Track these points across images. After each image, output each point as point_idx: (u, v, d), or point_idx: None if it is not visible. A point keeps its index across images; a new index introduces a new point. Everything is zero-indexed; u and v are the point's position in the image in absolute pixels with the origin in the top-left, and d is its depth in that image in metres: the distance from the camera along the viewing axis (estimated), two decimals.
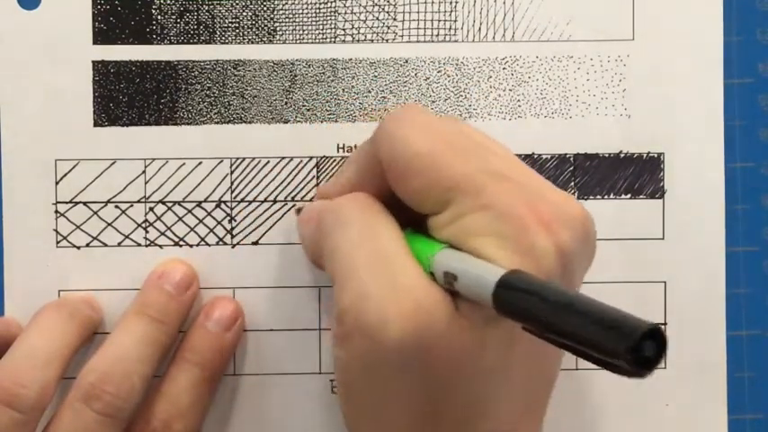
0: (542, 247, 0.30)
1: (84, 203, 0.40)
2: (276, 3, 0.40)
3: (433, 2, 0.41)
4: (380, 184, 0.34)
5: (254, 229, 0.40)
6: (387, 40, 0.41)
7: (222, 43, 0.40)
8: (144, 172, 0.40)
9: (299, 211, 0.39)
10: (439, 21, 0.41)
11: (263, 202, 0.40)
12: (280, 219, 0.40)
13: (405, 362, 0.30)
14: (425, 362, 0.30)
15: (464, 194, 0.31)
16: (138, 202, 0.40)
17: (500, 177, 0.31)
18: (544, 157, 0.41)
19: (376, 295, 0.30)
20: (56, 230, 0.40)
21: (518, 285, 0.27)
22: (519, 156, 0.40)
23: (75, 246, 0.40)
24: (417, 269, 0.31)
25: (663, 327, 0.24)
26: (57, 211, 0.40)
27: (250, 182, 0.40)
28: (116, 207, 0.40)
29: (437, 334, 0.30)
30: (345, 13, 0.40)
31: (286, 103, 0.40)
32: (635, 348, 0.24)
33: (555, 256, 0.30)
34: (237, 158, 0.40)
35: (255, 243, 0.40)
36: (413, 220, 0.33)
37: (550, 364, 0.34)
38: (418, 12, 0.41)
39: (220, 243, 0.40)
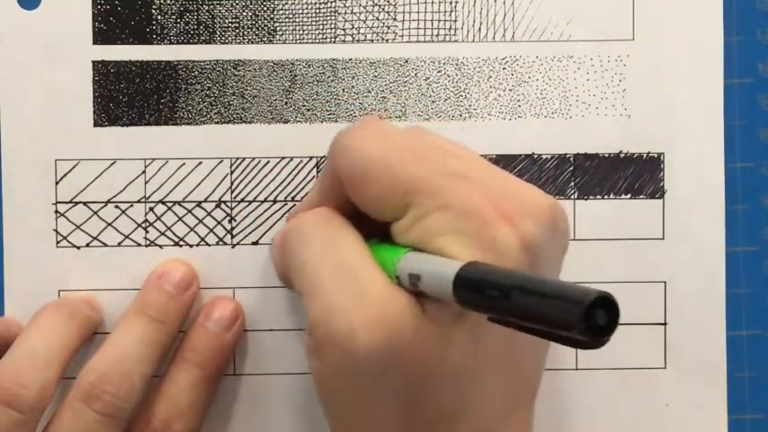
0: (505, 241, 0.30)
1: (84, 203, 0.40)
2: (276, 3, 0.40)
3: (433, 2, 0.41)
4: (342, 199, 0.34)
5: (254, 229, 0.40)
6: (387, 40, 0.41)
7: (222, 43, 0.40)
8: (144, 172, 0.40)
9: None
10: (439, 21, 0.41)
11: (263, 202, 0.40)
12: (280, 219, 0.40)
13: (377, 369, 0.30)
14: (397, 367, 0.30)
15: (422, 196, 0.31)
16: (138, 202, 0.40)
17: (458, 177, 0.31)
18: (544, 157, 0.41)
19: (342, 306, 0.30)
20: (56, 230, 0.40)
21: (474, 275, 0.28)
22: (519, 156, 0.40)
23: (75, 246, 0.40)
24: (382, 277, 0.31)
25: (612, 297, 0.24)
26: (57, 211, 0.40)
27: (250, 182, 0.40)
28: (116, 207, 0.40)
29: (406, 339, 0.30)
30: (345, 13, 0.40)
31: (286, 103, 0.40)
32: (586, 316, 0.24)
33: (519, 249, 0.30)
34: (237, 158, 0.40)
35: (255, 243, 0.40)
36: (377, 232, 0.34)
37: (528, 360, 0.33)
38: (418, 12, 0.41)
39: (220, 243, 0.40)
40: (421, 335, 0.30)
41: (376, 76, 0.41)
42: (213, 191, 0.40)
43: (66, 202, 0.40)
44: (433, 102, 0.41)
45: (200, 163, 0.40)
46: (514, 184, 0.32)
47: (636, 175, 0.41)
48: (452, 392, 0.31)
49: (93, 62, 0.40)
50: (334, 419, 0.33)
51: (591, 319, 0.24)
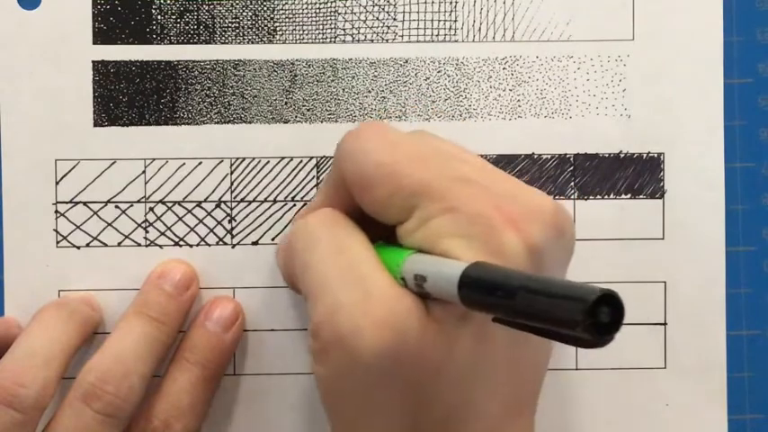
0: (511, 246, 0.30)
1: (84, 203, 0.40)
2: (276, 3, 0.40)
3: (433, 2, 0.41)
4: (347, 202, 0.34)
5: (254, 229, 0.40)
6: (387, 40, 0.41)
7: (222, 43, 0.40)
8: (144, 172, 0.40)
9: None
10: (439, 21, 0.41)
11: (263, 202, 0.40)
12: (280, 219, 0.40)
13: (382, 370, 0.30)
14: (403, 369, 0.30)
15: (428, 199, 0.31)
16: (138, 202, 0.40)
17: (464, 181, 0.31)
18: (544, 157, 0.41)
19: (348, 306, 0.30)
20: (56, 230, 0.40)
21: (479, 275, 0.28)
22: (519, 156, 0.40)
23: (75, 246, 0.40)
24: (388, 278, 0.31)
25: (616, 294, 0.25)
26: (57, 211, 0.40)
27: (250, 182, 0.40)
28: (116, 207, 0.40)
29: (411, 340, 0.30)
30: (345, 13, 0.40)
31: (286, 103, 0.40)
32: (590, 314, 0.24)
33: (525, 254, 0.30)
34: (237, 158, 0.40)
35: (255, 243, 0.40)
36: (382, 236, 0.34)
37: (532, 362, 0.33)
38: (418, 12, 0.41)
39: (220, 243, 0.40)
40: (426, 336, 0.30)
41: (376, 76, 0.41)
42: (213, 191, 0.40)
43: (66, 202, 0.40)
44: (433, 102, 0.41)
45: (200, 163, 0.40)
46: (520, 188, 0.32)
47: (636, 175, 0.41)
48: (457, 394, 0.31)
49: (93, 62, 0.40)
50: (338, 422, 0.33)
51: (595, 317, 0.24)
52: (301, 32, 0.40)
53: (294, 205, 0.40)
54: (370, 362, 0.30)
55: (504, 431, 0.32)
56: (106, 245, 0.40)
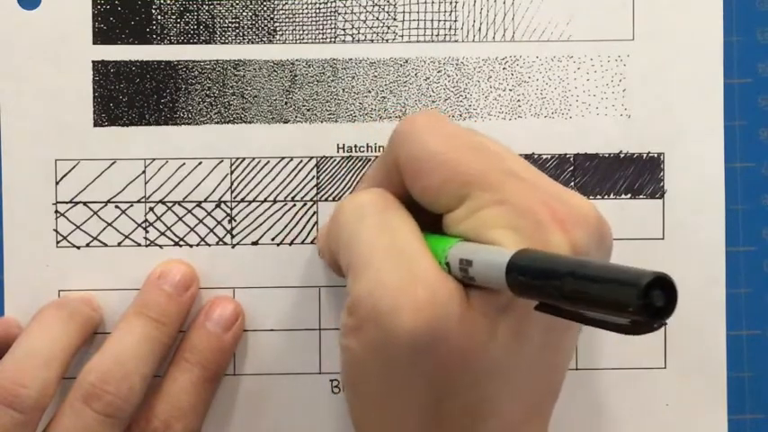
0: (557, 244, 0.30)
1: (84, 203, 0.40)
2: (276, 3, 0.40)
3: (433, 2, 0.41)
4: (396, 188, 0.34)
5: (254, 229, 0.40)
6: (387, 40, 0.41)
7: (222, 43, 0.40)
8: (144, 172, 0.40)
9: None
10: (439, 21, 0.41)
11: (263, 202, 0.40)
12: (280, 219, 0.40)
13: (415, 352, 0.30)
14: (436, 354, 0.30)
15: (480, 189, 0.31)
16: (138, 202, 0.40)
17: (515, 176, 0.32)
18: (544, 157, 0.41)
19: (391, 284, 0.30)
20: (56, 230, 0.40)
21: (528, 261, 0.27)
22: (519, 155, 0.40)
23: (75, 246, 0.40)
24: (432, 261, 0.31)
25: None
26: (57, 211, 0.40)
27: (250, 182, 0.40)
28: (116, 207, 0.40)
29: (450, 326, 0.30)
30: (345, 13, 0.40)
31: (286, 103, 0.40)
32: (644, 296, 0.24)
33: (569, 254, 0.30)
34: (237, 158, 0.40)
35: (255, 243, 0.40)
36: (428, 226, 0.33)
37: (556, 365, 0.34)
38: (418, 12, 0.41)
39: (220, 243, 0.40)
40: (464, 324, 0.30)
41: (376, 76, 0.41)
42: (213, 191, 0.40)
43: (66, 202, 0.40)
44: (433, 102, 0.41)
45: (200, 163, 0.40)
46: (567, 191, 0.33)
47: (636, 175, 0.41)
48: (482, 388, 0.31)
49: (93, 62, 0.40)
50: (359, 402, 0.33)
51: (648, 300, 0.24)
52: (301, 32, 0.40)
53: (294, 205, 0.40)
54: (405, 342, 0.30)
55: (521, 430, 0.32)
56: (106, 245, 0.40)
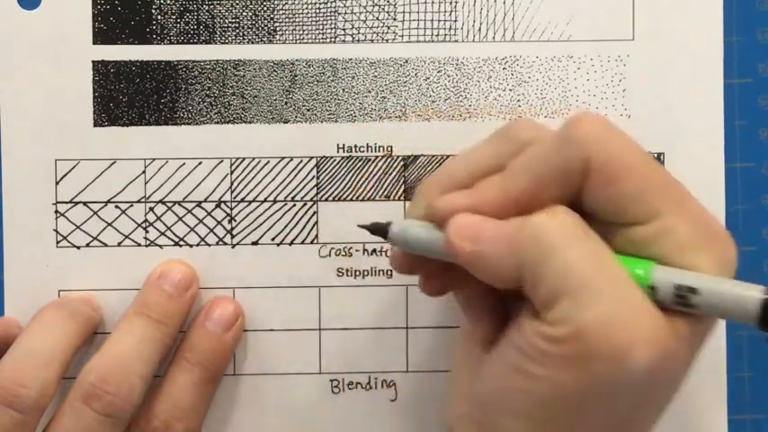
0: (732, 261, 0.31)
1: (84, 203, 0.40)
2: (276, 3, 0.40)
3: (433, 2, 0.41)
4: (560, 194, 0.32)
5: (254, 229, 0.40)
6: (387, 40, 0.41)
7: (222, 43, 0.40)
8: (144, 172, 0.40)
9: (378, 230, 0.35)
10: (439, 21, 0.41)
11: (263, 202, 0.40)
12: (280, 219, 0.40)
13: (648, 387, 0.29)
14: (662, 386, 0.30)
15: (670, 203, 0.31)
16: (138, 202, 0.40)
17: (686, 191, 0.32)
18: None
19: (621, 317, 0.29)
20: (56, 230, 0.40)
21: None
22: None
23: (75, 246, 0.40)
24: (639, 289, 0.30)
25: None
26: (57, 211, 0.40)
27: (250, 182, 0.40)
28: (116, 207, 0.40)
29: (671, 357, 0.29)
30: (345, 13, 0.40)
31: (286, 103, 0.40)
32: None
33: (733, 271, 0.31)
34: (237, 158, 0.40)
35: (255, 243, 0.40)
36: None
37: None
38: (418, 12, 0.41)
39: (220, 243, 0.40)
40: (679, 354, 0.30)
41: (376, 76, 0.41)
42: (213, 191, 0.40)
43: (66, 202, 0.40)
44: (433, 102, 0.41)
45: (200, 163, 0.40)
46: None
47: None
48: (660, 409, 0.31)
49: (93, 62, 0.40)
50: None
51: None
52: (301, 32, 0.40)
53: (294, 205, 0.40)
54: (639, 377, 0.29)
55: None
56: (106, 245, 0.40)
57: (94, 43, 0.40)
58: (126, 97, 0.40)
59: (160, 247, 0.40)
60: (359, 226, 0.37)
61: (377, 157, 0.40)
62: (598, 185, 0.31)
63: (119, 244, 0.40)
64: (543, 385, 0.30)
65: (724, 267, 0.31)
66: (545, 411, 0.30)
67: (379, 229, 0.35)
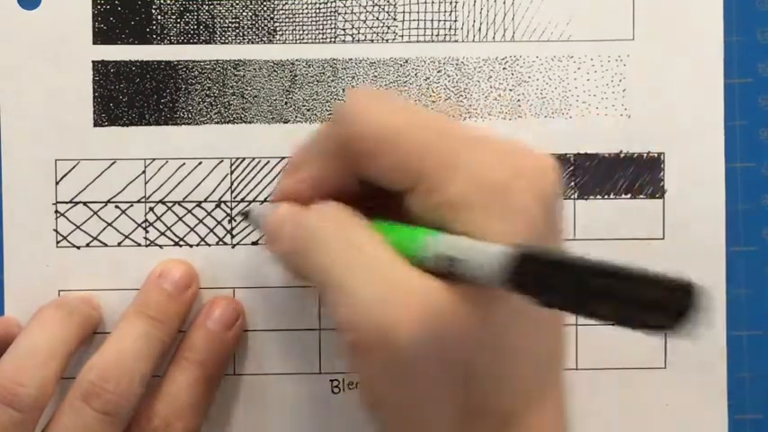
0: (525, 205, 0.30)
1: (84, 203, 0.40)
2: (276, 3, 0.40)
3: (433, 2, 0.41)
4: (343, 173, 0.33)
5: (254, 229, 0.40)
6: (387, 40, 0.41)
7: (222, 43, 0.40)
8: (144, 172, 0.40)
9: (245, 215, 0.39)
10: (439, 21, 0.41)
11: (263, 202, 0.40)
12: None
13: (425, 360, 0.30)
14: (445, 351, 0.30)
15: (439, 163, 0.31)
16: (138, 202, 0.40)
17: (470, 141, 0.31)
18: None
19: (379, 302, 0.30)
20: (56, 230, 0.40)
21: (532, 260, 0.27)
22: None
23: (75, 246, 0.40)
24: (409, 268, 0.30)
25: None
26: (57, 211, 0.40)
27: (250, 182, 0.40)
28: (116, 207, 0.40)
29: (445, 324, 0.30)
30: (345, 13, 0.41)
31: (286, 103, 0.40)
32: (679, 303, 0.24)
33: (538, 209, 0.30)
34: (237, 158, 0.40)
35: (255, 243, 0.40)
36: (381, 208, 0.33)
37: (554, 338, 0.33)
38: (418, 12, 0.41)
39: (220, 243, 0.40)
40: (459, 318, 0.30)
41: (376, 76, 0.41)
42: (213, 191, 0.40)
43: (66, 202, 0.40)
44: (434, 102, 0.41)
45: (200, 163, 0.40)
46: (521, 145, 0.32)
47: (636, 175, 0.41)
48: (495, 369, 0.31)
49: (93, 62, 0.40)
50: (387, 419, 0.32)
51: (677, 304, 0.24)
52: (301, 32, 0.40)
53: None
54: (413, 351, 0.29)
55: (536, 405, 0.32)
56: (106, 245, 0.40)
57: (94, 43, 0.40)
58: (126, 97, 0.40)
59: (160, 247, 0.40)
60: (238, 214, 0.40)
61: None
62: (363, 161, 0.32)
63: (119, 244, 0.40)
64: (361, 380, 0.32)
65: (507, 212, 0.30)
66: (373, 400, 0.32)
67: (245, 214, 0.39)
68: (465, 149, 0.31)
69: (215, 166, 0.40)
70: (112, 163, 0.40)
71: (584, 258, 0.26)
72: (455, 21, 0.41)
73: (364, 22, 0.41)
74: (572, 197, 0.41)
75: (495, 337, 0.31)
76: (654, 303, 0.24)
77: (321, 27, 0.40)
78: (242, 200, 0.40)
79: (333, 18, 0.40)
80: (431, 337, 0.29)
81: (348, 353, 0.31)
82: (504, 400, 0.31)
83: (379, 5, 0.41)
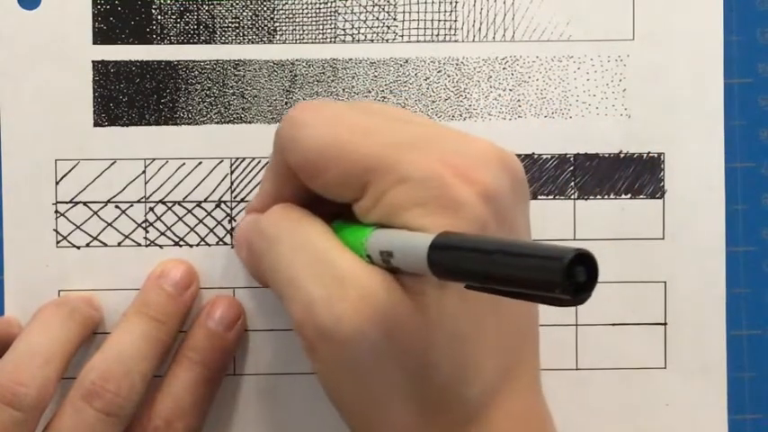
0: (466, 200, 0.30)
1: (84, 203, 0.40)
2: (276, 3, 0.40)
3: (433, 2, 0.41)
4: (297, 186, 0.34)
5: None
6: (387, 40, 0.41)
7: (222, 43, 0.40)
8: (144, 172, 0.40)
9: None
10: (439, 21, 0.41)
11: None
12: None
13: (372, 352, 0.30)
14: (392, 343, 0.30)
15: (379, 172, 0.31)
16: (138, 202, 0.40)
17: (410, 146, 0.31)
18: (544, 157, 0.41)
19: (322, 298, 0.30)
20: (56, 230, 0.40)
21: (448, 246, 0.27)
22: (519, 156, 0.40)
23: (75, 246, 0.40)
24: (354, 259, 0.31)
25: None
26: (57, 211, 0.40)
27: (250, 182, 0.40)
28: (116, 207, 0.40)
29: (391, 315, 0.30)
30: (345, 13, 0.41)
31: (286, 103, 0.40)
32: (568, 275, 0.24)
33: (482, 204, 0.30)
34: (237, 158, 0.40)
35: None
36: (339, 213, 0.33)
37: (519, 314, 0.33)
38: (418, 12, 0.41)
39: (220, 243, 0.40)
40: (405, 308, 0.30)
41: (376, 76, 0.41)
42: (213, 191, 0.40)
43: (66, 202, 0.40)
44: (433, 102, 0.41)
45: (200, 163, 0.40)
46: (464, 139, 0.32)
47: (636, 175, 0.41)
48: (452, 356, 0.31)
49: (93, 62, 0.40)
50: (348, 413, 0.33)
51: (572, 278, 0.24)
52: (301, 32, 0.40)
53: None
54: (358, 346, 0.30)
55: (502, 392, 0.32)
56: (106, 245, 0.40)
57: (94, 43, 0.40)
58: (126, 97, 0.40)
59: (160, 247, 0.40)
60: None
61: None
62: (305, 180, 0.33)
63: (119, 244, 0.40)
64: (317, 374, 0.33)
65: (447, 211, 0.30)
66: (331, 393, 0.33)
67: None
68: (405, 155, 0.31)
69: (215, 166, 0.40)
70: (112, 163, 0.40)
71: (489, 239, 0.27)
72: (455, 21, 0.41)
73: (364, 22, 0.41)
74: (572, 197, 0.41)
75: (448, 324, 0.31)
76: (548, 276, 0.24)
77: (321, 27, 0.40)
78: (242, 200, 0.40)
79: (333, 18, 0.40)
80: (376, 330, 0.30)
81: (304, 351, 0.32)
82: (467, 389, 0.31)
83: (379, 5, 0.41)
